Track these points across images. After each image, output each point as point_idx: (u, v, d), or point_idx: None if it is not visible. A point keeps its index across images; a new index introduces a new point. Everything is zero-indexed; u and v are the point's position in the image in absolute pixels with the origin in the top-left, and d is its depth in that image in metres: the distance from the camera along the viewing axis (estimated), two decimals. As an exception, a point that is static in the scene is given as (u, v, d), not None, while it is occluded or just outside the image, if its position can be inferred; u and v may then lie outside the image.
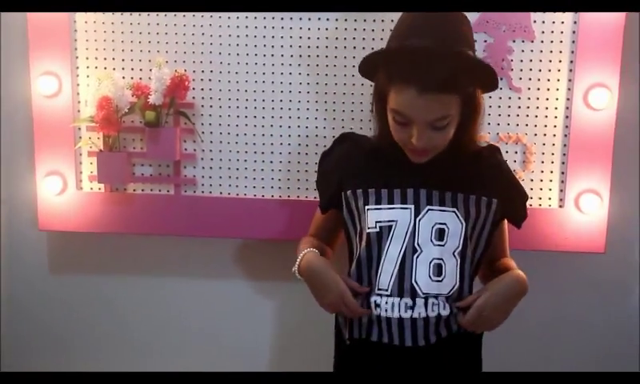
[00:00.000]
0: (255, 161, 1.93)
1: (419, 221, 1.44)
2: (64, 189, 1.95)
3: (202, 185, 1.96)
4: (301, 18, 1.86)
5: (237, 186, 1.95)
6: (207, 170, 1.95)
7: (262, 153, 1.93)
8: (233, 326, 2.12)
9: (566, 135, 1.86)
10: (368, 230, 1.47)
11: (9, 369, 2.16)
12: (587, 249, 1.88)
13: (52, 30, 1.89)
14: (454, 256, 1.45)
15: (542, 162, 1.88)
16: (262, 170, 1.93)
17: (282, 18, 1.86)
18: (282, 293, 2.08)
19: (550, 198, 1.89)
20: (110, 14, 1.89)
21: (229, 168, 1.94)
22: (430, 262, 1.44)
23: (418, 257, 1.44)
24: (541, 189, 1.88)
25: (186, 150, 1.95)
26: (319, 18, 1.85)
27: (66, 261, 2.12)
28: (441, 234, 1.44)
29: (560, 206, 1.88)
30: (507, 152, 1.87)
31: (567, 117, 1.85)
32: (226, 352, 2.12)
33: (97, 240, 2.05)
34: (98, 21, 1.90)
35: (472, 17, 1.80)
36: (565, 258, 1.94)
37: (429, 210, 1.45)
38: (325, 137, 1.90)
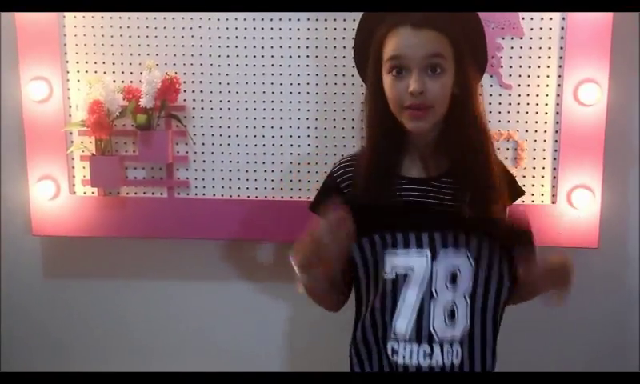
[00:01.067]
0: (248, 162, 1.93)
1: (435, 266, 1.42)
2: (57, 193, 1.95)
3: (195, 187, 1.96)
4: (290, 19, 1.86)
5: (230, 187, 1.95)
6: (200, 172, 1.95)
7: (255, 154, 1.93)
8: (225, 327, 2.12)
9: (557, 131, 1.86)
10: (385, 276, 1.44)
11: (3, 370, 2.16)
12: (580, 244, 1.88)
13: (41, 34, 1.89)
14: (465, 298, 1.43)
15: (534, 159, 1.88)
16: (255, 171, 1.94)
17: (272, 19, 1.87)
18: (276, 294, 2.08)
19: (542, 194, 1.89)
20: (100, 17, 1.89)
21: (221, 170, 1.95)
22: (445, 307, 1.42)
23: (435, 302, 1.42)
24: (533, 185, 1.89)
25: (178, 152, 1.95)
26: (308, 19, 1.86)
27: (59, 265, 2.12)
28: (454, 278, 1.42)
29: (552, 202, 1.89)
30: (499, 149, 1.87)
31: (558, 113, 1.85)
32: (219, 354, 2.12)
33: (91, 244, 2.05)
34: (88, 24, 1.90)
35: (461, 14, 1.81)
36: (558, 254, 1.93)
37: (443, 253, 1.42)
38: (317, 137, 1.91)
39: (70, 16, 1.90)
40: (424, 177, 1.46)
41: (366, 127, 1.49)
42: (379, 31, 1.42)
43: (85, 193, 1.97)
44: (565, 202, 1.87)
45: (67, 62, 1.92)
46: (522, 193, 1.59)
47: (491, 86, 1.86)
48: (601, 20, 1.79)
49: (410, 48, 1.36)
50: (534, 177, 1.89)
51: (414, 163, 1.48)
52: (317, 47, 1.87)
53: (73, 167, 1.97)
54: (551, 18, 1.82)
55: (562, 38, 1.82)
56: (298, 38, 1.87)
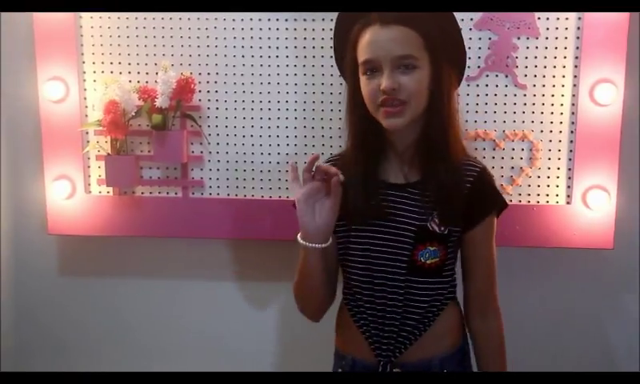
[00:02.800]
0: (262, 162, 1.94)
1: None
2: (73, 192, 1.97)
3: (210, 187, 1.97)
4: (305, 19, 1.87)
5: (244, 187, 1.96)
6: (214, 171, 1.96)
7: (269, 154, 1.94)
8: (242, 326, 2.13)
9: (572, 131, 1.85)
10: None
11: (17, 370, 2.17)
12: (595, 245, 1.87)
13: (58, 35, 1.91)
14: None
15: (549, 159, 1.87)
16: (269, 170, 1.94)
17: (287, 20, 1.87)
18: (290, 293, 2.07)
19: (557, 195, 1.88)
20: (116, 17, 1.91)
21: (236, 170, 1.95)
22: None
23: None
24: (548, 185, 1.88)
25: (192, 152, 1.96)
26: (323, 19, 1.86)
27: (74, 264, 2.14)
28: None
29: (567, 203, 1.88)
30: (514, 149, 1.87)
31: (573, 113, 1.85)
32: (235, 353, 2.13)
33: (105, 243, 2.07)
34: (104, 25, 1.92)
35: (476, 15, 1.82)
36: (573, 255, 1.94)
37: None
38: (331, 137, 1.91)
39: (86, 17, 1.91)
40: (402, 183, 1.47)
41: (347, 129, 1.50)
42: (352, 33, 1.43)
43: (100, 192, 1.99)
44: (580, 203, 1.86)
45: (84, 62, 1.94)
46: (504, 206, 1.51)
47: (506, 86, 1.85)
48: (616, 20, 1.78)
49: (379, 47, 1.36)
50: (548, 177, 1.88)
51: (393, 168, 1.49)
52: (331, 47, 1.86)
53: (88, 167, 1.98)
54: (567, 18, 1.81)
55: (577, 37, 1.81)
56: (313, 39, 1.88)
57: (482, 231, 1.48)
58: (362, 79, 1.41)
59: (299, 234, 1.44)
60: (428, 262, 1.44)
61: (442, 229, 1.43)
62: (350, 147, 1.50)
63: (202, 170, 1.97)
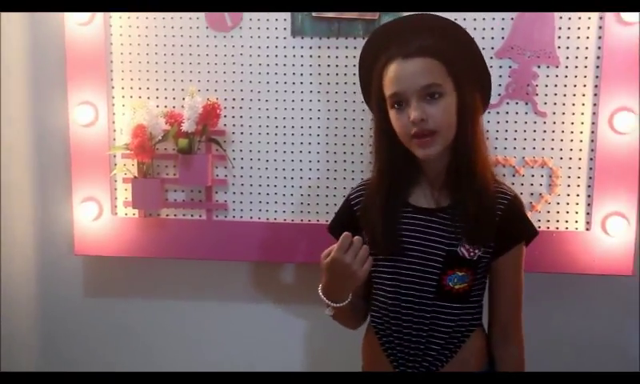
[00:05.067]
0: (285, 186, 1.98)
1: None
2: (99, 214, 2.01)
3: (234, 210, 2.01)
4: (329, 47, 1.91)
5: (267, 210, 1.99)
6: (238, 195, 2.00)
7: (292, 178, 1.97)
8: (264, 348, 2.15)
9: (591, 158, 1.88)
10: None
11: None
12: (615, 271, 1.88)
13: (89, 60, 1.96)
14: None
15: (568, 186, 1.89)
16: (292, 194, 1.97)
17: (311, 47, 1.92)
18: (314, 316, 2.10)
19: (576, 221, 1.90)
20: (145, 44, 1.96)
21: (259, 193, 1.99)
22: None
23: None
24: (567, 212, 1.90)
25: (217, 175, 2.00)
26: (346, 47, 1.90)
27: (100, 285, 2.18)
28: None
29: (587, 229, 1.89)
30: (533, 176, 1.89)
31: (592, 140, 1.87)
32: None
33: (131, 264, 2.10)
34: (134, 52, 1.97)
35: (496, 44, 1.85)
36: (593, 281, 1.95)
37: None
38: (352, 162, 1.94)
39: (116, 43, 1.97)
40: (432, 207, 1.49)
41: (374, 158, 1.54)
42: (376, 69, 1.46)
43: (126, 214, 2.03)
44: (599, 229, 1.88)
45: (113, 87, 1.99)
46: (534, 234, 1.52)
47: (526, 113, 1.88)
48: (636, 48, 1.81)
49: (403, 80, 1.39)
50: (568, 204, 1.90)
51: (424, 193, 1.51)
52: (354, 74, 1.90)
53: (115, 189, 2.02)
54: (587, 47, 1.84)
55: (597, 66, 1.84)
56: (337, 66, 1.92)
57: (511, 259, 1.49)
58: (392, 113, 1.44)
59: (320, 288, 1.48)
60: (456, 287, 1.46)
61: (472, 254, 1.45)
62: (376, 174, 1.53)
63: (225, 193, 2.00)
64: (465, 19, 1.86)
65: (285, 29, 1.92)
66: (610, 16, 1.81)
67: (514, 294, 1.53)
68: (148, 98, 1.98)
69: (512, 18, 1.85)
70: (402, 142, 1.45)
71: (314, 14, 1.88)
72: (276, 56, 1.94)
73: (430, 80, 1.39)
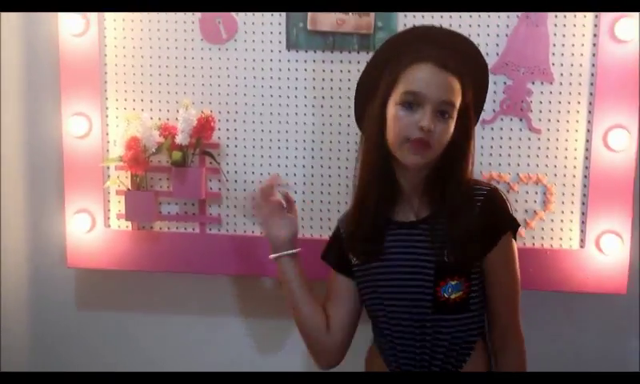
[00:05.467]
0: (278, 200, 1.97)
1: None
2: (92, 226, 2.00)
3: (227, 223, 2.00)
4: (324, 61, 1.91)
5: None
6: (232, 208, 1.99)
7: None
8: (258, 362, 2.14)
9: (585, 176, 1.87)
10: None
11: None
12: (608, 290, 1.88)
13: (83, 72, 1.96)
14: None
15: (563, 203, 1.89)
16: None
17: (306, 61, 1.92)
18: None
19: (570, 239, 1.90)
20: (140, 56, 1.96)
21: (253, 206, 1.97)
22: None
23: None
24: (561, 229, 1.90)
25: (211, 189, 1.99)
26: (341, 61, 1.90)
27: (92, 297, 2.16)
28: None
29: (581, 247, 1.89)
30: (528, 192, 1.89)
31: (587, 158, 1.87)
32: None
33: (123, 277, 2.09)
34: (128, 64, 1.97)
35: (491, 60, 1.85)
36: (586, 299, 1.94)
37: None
38: (347, 176, 1.94)
39: (111, 54, 1.97)
40: (413, 220, 1.51)
41: (361, 167, 1.54)
42: (393, 69, 1.46)
43: (119, 226, 2.02)
44: (593, 247, 1.87)
45: (107, 98, 1.98)
46: (516, 225, 1.54)
47: (520, 129, 1.88)
48: (631, 65, 1.81)
49: (429, 86, 1.40)
50: (562, 221, 1.90)
51: (403, 207, 1.52)
52: (349, 88, 1.90)
53: (109, 201, 2.02)
54: (581, 64, 1.84)
55: (591, 83, 1.84)
56: (331, 80, 1.92)
57: (500, 254, 1.49)
58: (396, 108, 1.43)
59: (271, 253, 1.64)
60: (452, 296, 1.46)
61: (460, 258, 1.45)
62: (359, 193, 1.54)
63: (219, 206, 2.00)
64: (460, 26, 1.86)
65: (280, 42, 1.92)
66: (604, 33, 1.81)
67: (508, 295, 1.52)
68: (142, 109, 1.98)
69: (507, 35, 1.85)
70: (391, 145, 1.45)
71: (309, 27, 1.88)
72: (271, 69, 1.94)
73: (450, 98, 1.41)
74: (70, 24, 1.93)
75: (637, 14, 1.78)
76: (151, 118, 1.96)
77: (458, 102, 1.44)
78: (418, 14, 1.86)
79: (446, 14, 1.86)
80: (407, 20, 1.87)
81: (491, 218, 1.48)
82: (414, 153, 1.42)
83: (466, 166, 1.50)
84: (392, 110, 1.44)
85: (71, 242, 2.02)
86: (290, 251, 1.63)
